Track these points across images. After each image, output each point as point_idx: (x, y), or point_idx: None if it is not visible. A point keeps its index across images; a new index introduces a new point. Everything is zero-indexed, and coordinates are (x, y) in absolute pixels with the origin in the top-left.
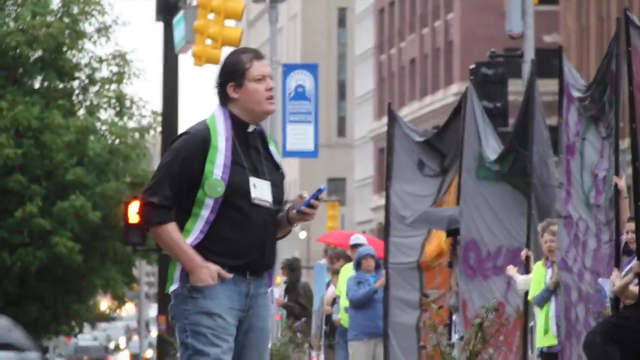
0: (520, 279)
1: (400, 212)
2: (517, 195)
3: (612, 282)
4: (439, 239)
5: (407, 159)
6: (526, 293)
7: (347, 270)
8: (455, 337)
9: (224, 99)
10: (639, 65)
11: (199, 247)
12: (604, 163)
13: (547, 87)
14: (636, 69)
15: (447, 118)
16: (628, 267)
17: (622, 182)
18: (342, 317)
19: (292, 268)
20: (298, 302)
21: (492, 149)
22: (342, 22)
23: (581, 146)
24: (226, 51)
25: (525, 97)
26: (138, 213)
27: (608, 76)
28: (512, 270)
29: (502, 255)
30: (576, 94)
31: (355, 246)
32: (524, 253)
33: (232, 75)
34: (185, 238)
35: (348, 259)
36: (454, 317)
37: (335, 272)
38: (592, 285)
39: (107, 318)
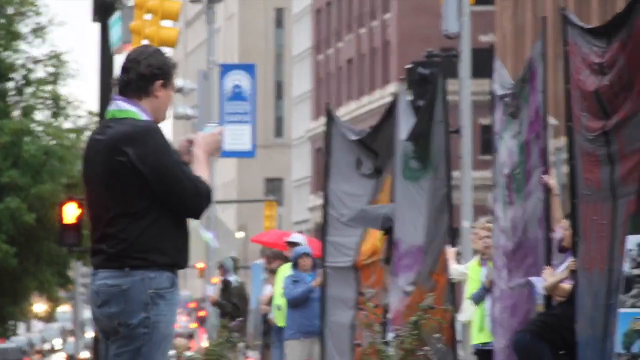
0: (453, 267)
1: (338, 211)
2: (426, 194)
3: (544, 279)
4: (374, 238)
5: (344, 159)
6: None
7: (285, 270)
8: (390, 335)
9: (142, 93)
10: (578, 64)
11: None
12: (509, 161)
13: (482, 86)
14: (574, 68)
15: (380, 118)
16: (564, 265)
17: (552, 180)
18: (276, 315)
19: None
20: (231, 301)
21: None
22: (279, 22)
23: (497, 145)
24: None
25: (431, 98)
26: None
27: (528, 73)
28: (451, 253)
29: (412, 253)
30: (500, 92)
31: (291, 244)
32: (452, 250)
33: (164, 73)
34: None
35: (285, 259)
36: (388, 316)
37: (272, 272)
38: (506, 282)
39: (47, 318)
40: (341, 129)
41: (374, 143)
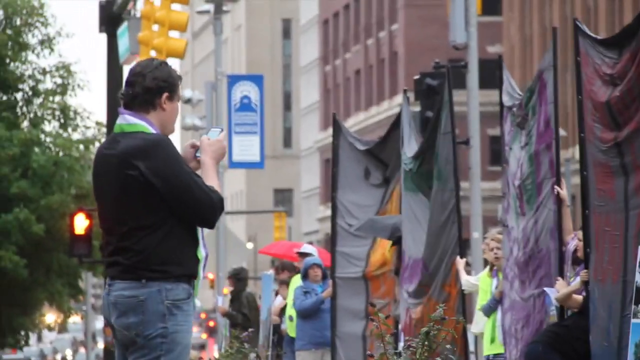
0: (464, 278)
1: (347, 221)
2: (426, 206)
3: (557, 290)
4: (383, 248)
5: (352, 169)
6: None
7: (298, 281)
8: (401, 346)
9: (149, 106)
10: (590, 75)
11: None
12: (518, 172)
13: (490, 97)
14: (587, 78)
15: (388, 128)
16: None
17: (564, 191)
18: (288, 325)
19: (238, 278)
20: (241, 312)
21: (412, 149)
22: (286, 33)
23: (507, 156)
24: (171, 63)
25: (439, 109)
26: (212, 210)
27: (537, 84)
28: (460, 264)
29: (412, 265)
30: (509, 103)
31: (303, 255)
32: (461, 261)
33: (170, 85)
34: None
35: (294, 270)
36: (399, 327)
37: (282, 283)
38: (518, 293)
39: (59, 329)
40: (349, 138)
41: (383, 153)
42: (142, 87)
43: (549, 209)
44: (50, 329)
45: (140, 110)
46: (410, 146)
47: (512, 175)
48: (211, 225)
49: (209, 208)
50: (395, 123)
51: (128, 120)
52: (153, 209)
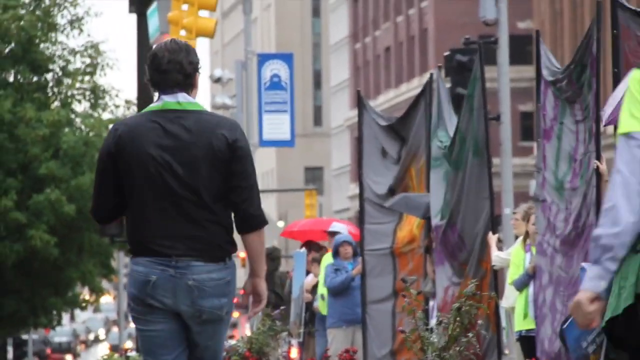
0: (495, 254)
1: (373, 200)
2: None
3: None
4: (410, 225)
5: (371, 147)
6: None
7: (329, 259)
8: (432, 322)
9: (189, 88)
10: (634, 47)
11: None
12: (580, 147)
13: (521, 73)
14: (630, 51)
15: (410, 104)
16: None
17: (604, 166)
18: (320, 304)
19: (272, 257)
20: (274, 291)
21: (453, 126)
22: (316, 11)
23: (559, 131)
24: (201, 42)
25: (472, 85)
26: (247, 219)
27: (587, 57)
28: (492, 240)
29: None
30: (550, 77)
31: (332, 234)
32: (493, 236)
33: (199, 62)
34: None
35: (320, 249)
36: (431, 303)
37: (313, 260)
38: (564, 269)
39: (93, 308)
40: (372, 115)
41: (403, 130)
42: (183, 74)
43: (592, 185)
44: (82, 308)
45: (187, 90)
46: (451, 122)
47: (568, 150)
48: (246, 228)
49: (257, 210)
50: (417, 100)
51: (187, 98)
52: (226, 181)
